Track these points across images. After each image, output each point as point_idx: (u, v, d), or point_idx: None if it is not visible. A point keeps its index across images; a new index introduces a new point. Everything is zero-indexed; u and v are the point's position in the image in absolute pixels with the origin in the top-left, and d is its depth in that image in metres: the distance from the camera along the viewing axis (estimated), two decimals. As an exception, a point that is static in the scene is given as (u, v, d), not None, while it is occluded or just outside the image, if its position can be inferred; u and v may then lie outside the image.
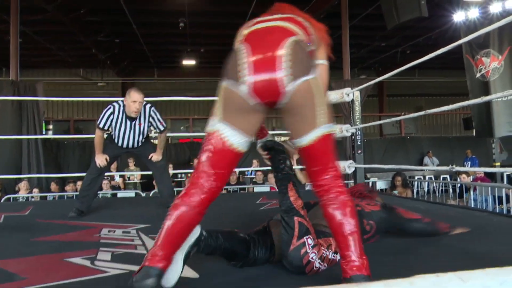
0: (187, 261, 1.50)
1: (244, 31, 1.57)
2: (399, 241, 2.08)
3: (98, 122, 3.34)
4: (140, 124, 3.39)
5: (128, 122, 3.35)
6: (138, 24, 10.73)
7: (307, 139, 1.43)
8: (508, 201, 5.00)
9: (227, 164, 1.46)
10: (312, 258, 1.57)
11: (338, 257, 1.56)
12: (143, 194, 6.69)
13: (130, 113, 3.30)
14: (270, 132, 2.16)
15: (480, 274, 0.62)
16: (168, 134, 4.57)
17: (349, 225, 1.41)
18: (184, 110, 16.82)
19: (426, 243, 2.04)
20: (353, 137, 4.44)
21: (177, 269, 1.45)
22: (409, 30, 11.60)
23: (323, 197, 1.47)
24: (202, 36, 12.28)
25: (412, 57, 13.23)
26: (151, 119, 3.43)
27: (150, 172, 6.80)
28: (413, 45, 13.38)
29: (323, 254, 1.61)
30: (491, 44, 7.44)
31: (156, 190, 6.81)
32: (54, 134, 11.27)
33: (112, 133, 3.42)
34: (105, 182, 7.25)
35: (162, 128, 3.52)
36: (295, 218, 1.63)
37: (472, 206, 5.63)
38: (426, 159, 10.99)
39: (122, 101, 3.36)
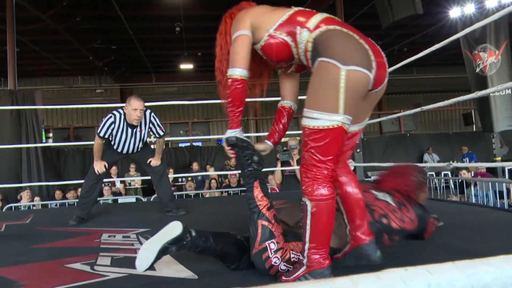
0: (162, 256, 1.52)
1: (317, 17, 1.58)
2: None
3: (98, 130, 3.32)
4: (141, 131, 3.39)
5: (129, 130, 3.35)
6: (134, 30, 10.76)
7: (364, 123, 1.67)
8: (508, 196, 4.99)
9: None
10: (275, 262, 1.56)
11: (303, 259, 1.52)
12: (144, 199, 6.68)
13: (131, 121, 3.29)
14: (255, 135, 2.15)
15: (448, 267, 0.62)
16: (168, 139, 4.58)
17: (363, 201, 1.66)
18: (183, 114, 16.84)
19: (425, 241, 2.03)
20: (352, 136, 4.43)
21: (148, 257, 1.49)
22: (404, 28, 11.61)
23: (343, 176, 1.63)
24: (199, 40, 12.30)
25: (409, 55, 13.23)
26: (151, 125, 3.43)
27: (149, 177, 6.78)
28: (409, 43, 13.39)
29: (290, 257, 1.58)
30: (488, 39, 7.45)
31: (156, 195, 6.82)
32: (54, 142, 11.28)
33: (111, 140, 3.41)
34: (106, 188, 7.25)
35: (161, 134, 3.51)
36: (259, 221, 1.60)
37: (473, 201, 5.62)
38: (426, 156, 10.98)
39: (122, 108, 3.35)
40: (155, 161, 3.53)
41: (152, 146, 4.01)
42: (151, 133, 3.52)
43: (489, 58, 7.37)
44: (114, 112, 3.36)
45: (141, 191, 8.58)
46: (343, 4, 8.24)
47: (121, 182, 8.29)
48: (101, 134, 3.30)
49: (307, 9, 1.66)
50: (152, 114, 3.44)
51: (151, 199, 6.42)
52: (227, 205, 3.82)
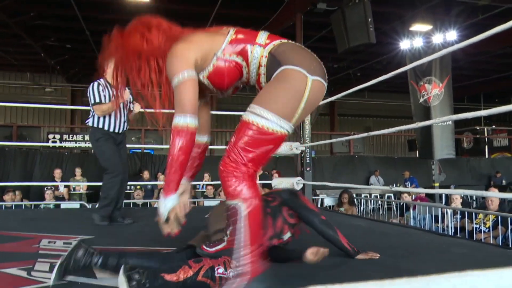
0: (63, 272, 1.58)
1: (262, 34, 1.60)
2: (337, 254, 2.15)
3: (93, 100, 3.38)
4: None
5: (113, 90, 3.38)
6: (91, 31, 10.48)
7: None
8: (443, 220, 5.32)
9: None
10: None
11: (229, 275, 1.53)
12: (89, 206, 6.45)
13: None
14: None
15: (361, 285, 0.69)
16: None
17: None
18: (135, 121, 16.47)
19: (363, 259, 2.14)
20: (302, 155, 4.57)
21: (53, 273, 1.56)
22: (360, 54, 12.17)
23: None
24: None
25: (362, 79, 13.87)
26: (129, 93, 3.45)
27: (97, 183, 6.56)
28: (363, 68, 14.03)
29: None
30: (433, 72, 7.97)
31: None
32: (-6, 140, 10.64)
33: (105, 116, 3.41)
34: (48, 192, 6.94)
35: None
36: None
37: (412, 224, 5.94)
38: (373, 178, 11.44)
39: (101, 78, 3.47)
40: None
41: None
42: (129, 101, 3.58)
43: (433, 90, 7.88)
44: (95, 81, 3.47)
45: (86, 197, 8.27)
46: (302, 26, 8.51)
47: (65, 186, 7.96)
48: (98, 100, 3.37)
49: (246, 29, 1.63)
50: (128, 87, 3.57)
51: (96, 206, 6.22)
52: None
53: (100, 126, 3.41)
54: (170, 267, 1.61)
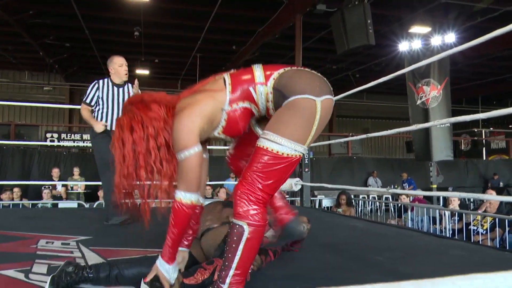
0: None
1: (257, 70, 1.60)
2: (333, 256, 2.16)
3: (84, 98, 3.38)
4: (129, 92, 3.47)
5: (115, 89, 3.41)
6: (90, 30, 10.46)
7: None
8: (441, 222, 5.33)
9: None
10: None
11: None
12: (87, 205, 6.44)
13: (120, 77, 3.41)
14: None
15: (379, 287, 0.70)
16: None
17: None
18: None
19: (356, 259, 2.15)
20: (301, 156, 4.57)
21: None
22: (359, 56, 12.17)
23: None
24: (157, 47, 12.18)
25: (361, 80, 13.89)
26: (135, 91, 3.45)
27: (95, 183, 6.55)
28: (362, 70, 14.04)
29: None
30: (431, 74, 8.00)
31: (100, 201, 6.61)
32: (-9, 138, 10.61)
33: (100, 108, 3.38)
34: (46, 191, 6.93)
35: None
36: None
37: (409, 225, 5.95)
38: (371, 179, 11.46)
39: (107, 77, 3.49)
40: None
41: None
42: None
43: (431, 92, 7.90)
44: (99, 79, 3.47)
45: (84, 196, 8.26)
46: (302, 27, 8.51)
47: (63, 185, 7.94)
48: (87, 100, 3.37)
49: (237, 70, 1.63)
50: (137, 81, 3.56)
51: (94, 206, 6.21)
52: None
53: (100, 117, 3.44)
54: (188, 271, 1.64)
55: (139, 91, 3.52)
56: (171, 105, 1.55)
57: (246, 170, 1.47)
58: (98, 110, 3.43)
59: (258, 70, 1.58)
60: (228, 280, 1.41)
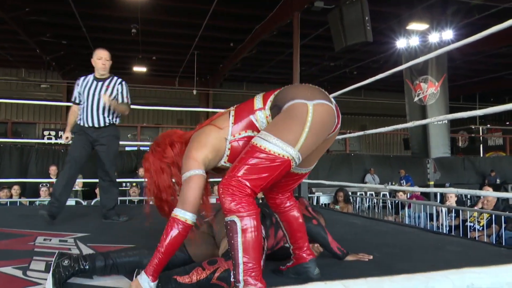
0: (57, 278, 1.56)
1: (258, 98, 1.69)
2: (329, 254, 2.16)
3: (72, 96, 3.46)
4: (108, 86, 3.37)
5: (95, 83, 3.37)
6: (87, 28, 10.43)
7: (311, 167, 1.78)
8: (438, 218, 5.35)
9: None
10: None
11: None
12: (84, 203, 6.44)
13: (98, 70, 3.38)
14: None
15: (361, 282, 0.71)
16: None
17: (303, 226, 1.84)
18: (132, 117, 16.43)
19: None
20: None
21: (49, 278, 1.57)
22: (356, 53, 12.18)
23: (288, 202, 1.80)
24: (155, 44, 12.15)
25: (359, 77, 13.90)
26: (118, 87, 3.40)
27: (92, 180, 6.54)
28: (360, 67, 14.05)
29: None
30: (429, 71, 8.00)
31: (97, 199, 6.61)
32: (-11, 136, 10.58)
33: (81, 102, 3.38)
34: (43, 189, 6.91)
35: (125, 102, 3.46)
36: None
37: (407, 222, 5.97)
38: (368, 176, 11.49)
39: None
40: (107, 98, 3.25)
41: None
42: (116, 95, 3.40)
43: (429, 89, 7.91)
44: (82, 76, 3.48)
45: (82, 194, 8.24)
46: (300, 24, 8.51)
47: (61, 183, 7.92)
48: (72, 98, 3.43)
49: (242, 103, 1.72)
50: (124, 82, 3.48)
51: (92, 203, 6.21)
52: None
53: (77, 121, 3.42)
54: (184, 269, 1.62)
55: (117, 105, 3.34)
56: (186, 141, 1.73)
57: (234, 165, 1.50)
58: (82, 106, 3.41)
59: (258, 99, 1.67)
60: (241, 277, 1.40)
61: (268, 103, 1.62)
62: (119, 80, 3.46)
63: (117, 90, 3.41)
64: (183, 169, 1.60)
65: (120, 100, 3.41)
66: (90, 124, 3.34)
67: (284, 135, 1.48)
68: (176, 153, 1.72)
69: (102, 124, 3.36)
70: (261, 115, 1.62)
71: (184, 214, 1.52)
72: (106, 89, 3.36)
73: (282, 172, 1.50)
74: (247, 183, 1.44)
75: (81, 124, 3.36)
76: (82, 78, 3.44)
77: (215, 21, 9.87)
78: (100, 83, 3.38)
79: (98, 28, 10.69)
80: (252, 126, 1.62)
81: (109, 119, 3.39)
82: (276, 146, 1.46)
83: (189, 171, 1.57)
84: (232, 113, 1.67)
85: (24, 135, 11.37)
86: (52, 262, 1.60)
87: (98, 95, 3.33)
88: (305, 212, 2.07)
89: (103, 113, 3.36)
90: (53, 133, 11.82)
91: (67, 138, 3.41)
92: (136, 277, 1.53)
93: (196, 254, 1.88)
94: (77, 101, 3.42)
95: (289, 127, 1.49)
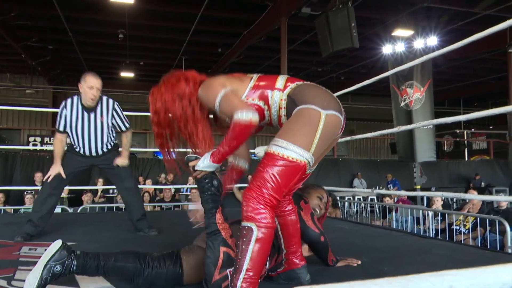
0: (49, 277, 1.56)
1: (281, 78, 1.72)
2: (317, 259, 2.17)
3: (56, 125, 2.95)
4: (102, 118, 2.95)
5: (86, 115, 2.91)
6: (74, 32, 10.35)
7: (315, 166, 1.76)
8: (424, 222, 5.41)
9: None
10: None
11: None
12: (70, 210, 6.35)
13: (86, 101, 2.88)
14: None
15: (346, 286, 0.72)
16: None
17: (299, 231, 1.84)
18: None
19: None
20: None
21: (35, 276, 1.53)
22: (343, 58, 12.31)
23: (288, 206, 1.78)
24: (142, 49, 12.11)
25: (346, 82, 14.04)
26: (114, 114, 3.00)
27: (78, 187, 6.45)
28: (347, 72, 14.19)
29: None
30: (414, 76, 8.14)
31: (84, 206, 6.53)
32: (-28, 142, 10.40)
33: (71, 135, 2.97)
34: (28, 197, 6.80)
35: (124, 129, 3.08)
36: (221, 248, 1.59)
37: (394, 226, 6.02)
38: (356, 181, 11.57)
39: (78, 94, 2.96)
40: (122, 160, 3.02)
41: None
42: (113, 122, 3.04)
43: (414, 94, 8.04)
44: (68, 98, 2.98)
45: (67, 201, 8.14)
46: (287, 29, 8.58)
47: (46, 190, 7.80)
48: (57, 126, 2.94)
49: (267, 75, 1.75)
50: (116, 103, 3.04)
51: (78, 210, 6.13)
52: (160, 220, 3.76)
53: (71, 142, 3.06)
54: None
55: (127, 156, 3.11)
56: (199, 82, 1.75)
57: (255, 174, 1.54)
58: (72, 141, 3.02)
59: (281, 79, 1.70)
60: (239, 283, 1.42)
61: (288, 89, 1.65)
62: (110, 102, 3.03)
63: (116, 114, 3.04)
64: (210, 97, 1.64)
65: (119, 127, 3.09)
66: (88, 154, 3.03)
67: (299, 140, 1.53)
68: (189, 91, 1.73)
69: (100, 153, 3.05)
70: (277, 95, 1.65)
71: (247, 115, 1.54)
72: (102, 123, 2.98)
73: (300, 176, 1.58)
74: (272, 193, 1.48)
75: (77, 150, 3.03)
76: (69, 106, 2.94)
77: (203, 26, 9.88)
78: (92, 115, 2.96)
79: (84, 32, 10.61)
80: (265, 99, 1.66)
81: (109, 143, 3.08)
82: (293, 152, 1.51)
83: (220, 91, 1.62)
84: (255, 77, 1.71)
85: (8, 142, 11.21)
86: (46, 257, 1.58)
87: (94, 129, 2.97)
88: (310, 224, 1.99)
89: (101, 142, 3.02)
90: (38, 139, 11.67)
91: (50, 176, 2.95)
92: None
93: (190, 274, 1.73)
94: (62, 130, 2.97)
95: (303, 132, 1.54)
